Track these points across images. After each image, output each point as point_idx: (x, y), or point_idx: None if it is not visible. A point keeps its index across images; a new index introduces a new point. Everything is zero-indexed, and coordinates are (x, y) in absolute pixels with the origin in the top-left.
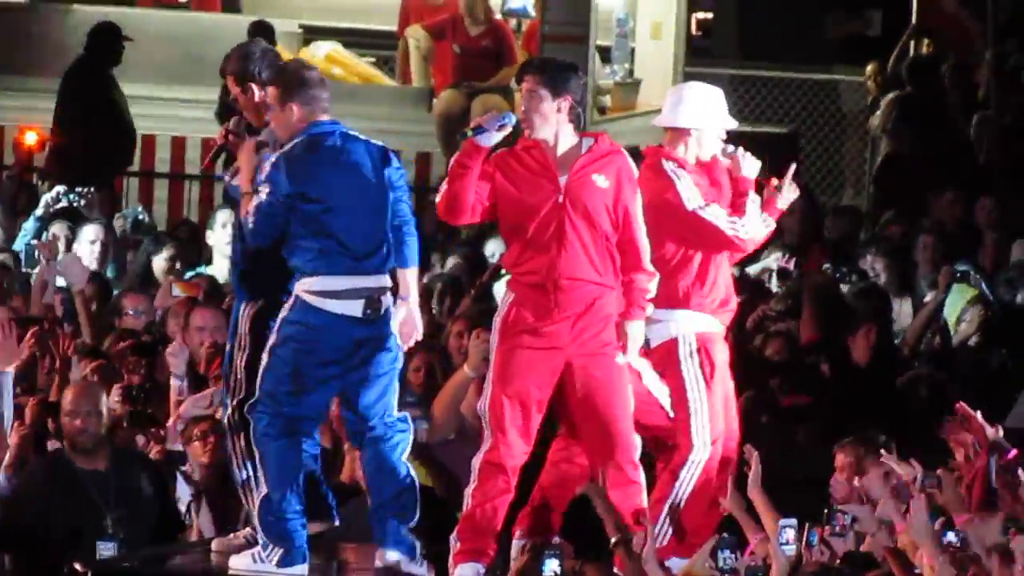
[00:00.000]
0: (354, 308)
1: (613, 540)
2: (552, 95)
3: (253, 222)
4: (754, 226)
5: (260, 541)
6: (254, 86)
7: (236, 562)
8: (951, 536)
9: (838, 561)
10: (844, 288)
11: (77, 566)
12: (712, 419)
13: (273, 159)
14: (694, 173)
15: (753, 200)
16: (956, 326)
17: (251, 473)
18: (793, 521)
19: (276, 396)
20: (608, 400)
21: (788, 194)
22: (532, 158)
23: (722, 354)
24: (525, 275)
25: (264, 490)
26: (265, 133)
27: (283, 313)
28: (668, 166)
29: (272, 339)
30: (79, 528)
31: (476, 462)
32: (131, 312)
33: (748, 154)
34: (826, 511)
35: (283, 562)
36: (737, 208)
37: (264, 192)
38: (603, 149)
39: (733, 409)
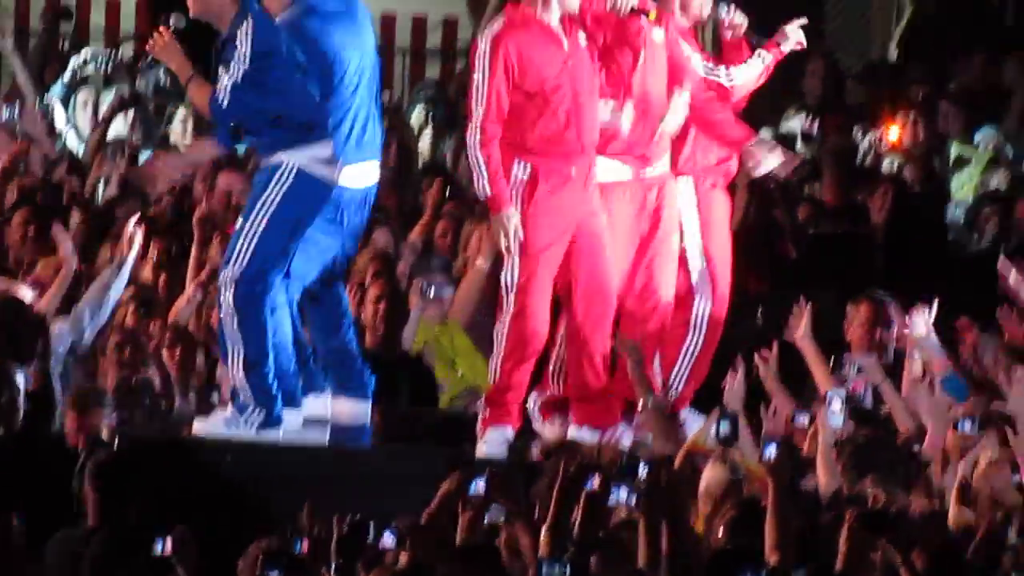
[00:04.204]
0: (332, 174)
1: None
2: None
3: (228, 99)
4: None
5: (236, 404)
6: None
7: (207, 427)
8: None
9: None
10: (866, 150)
11: None
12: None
13: (248, 22)
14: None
15: None
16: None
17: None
18: (841, 391)
19: (268, 261)
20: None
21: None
22: None
23: (628, 206)
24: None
25: (244, 352)
26: (174, 18)
27: (280, 181)
28: None
29: (269, 208)
30: None
31: (501, 329)
32: None
33: None
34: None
35: (263, 425)
36: None
37: (242, 67)
38: None
39: (659, 265)
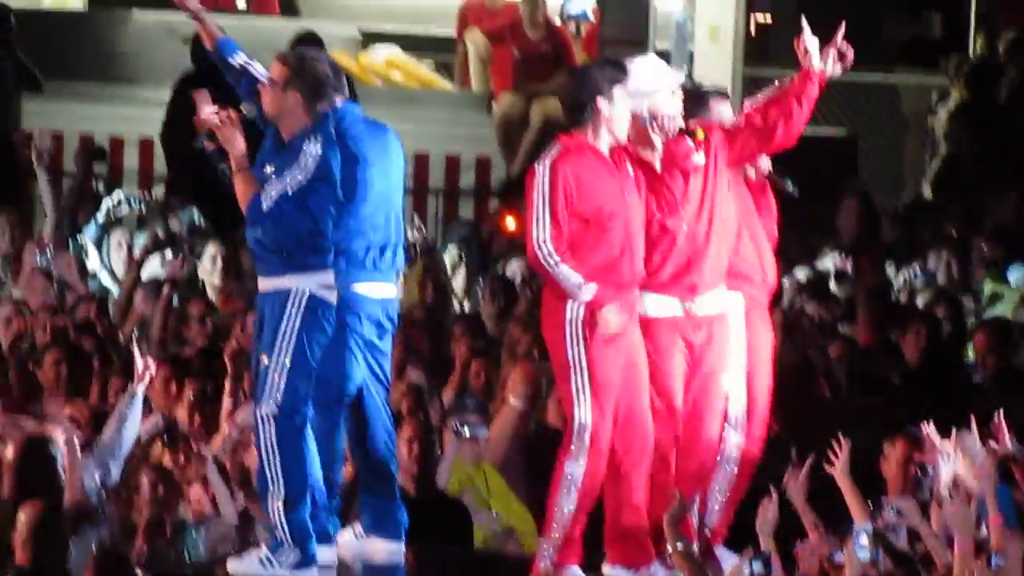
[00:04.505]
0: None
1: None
2: None
3: (272, 205)
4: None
5: (271, 543)
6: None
7: (242, 567)
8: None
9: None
10: (900, 288)
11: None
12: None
13: (318, 144)
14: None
15: None
16: None
17: (276, 473)
18: (869, 526)
19: (299, 391)
20: None
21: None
22: None
23: (672, 342)
24: None
25: (285, 490)
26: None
27: (294, 311)
28: None
29: (290, 340)
30: None
31: (575, 469)
32: (197, 318)
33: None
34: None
35: (298, 565)
36: None
37: (297, 181)
38: None
39: (702, 404)
